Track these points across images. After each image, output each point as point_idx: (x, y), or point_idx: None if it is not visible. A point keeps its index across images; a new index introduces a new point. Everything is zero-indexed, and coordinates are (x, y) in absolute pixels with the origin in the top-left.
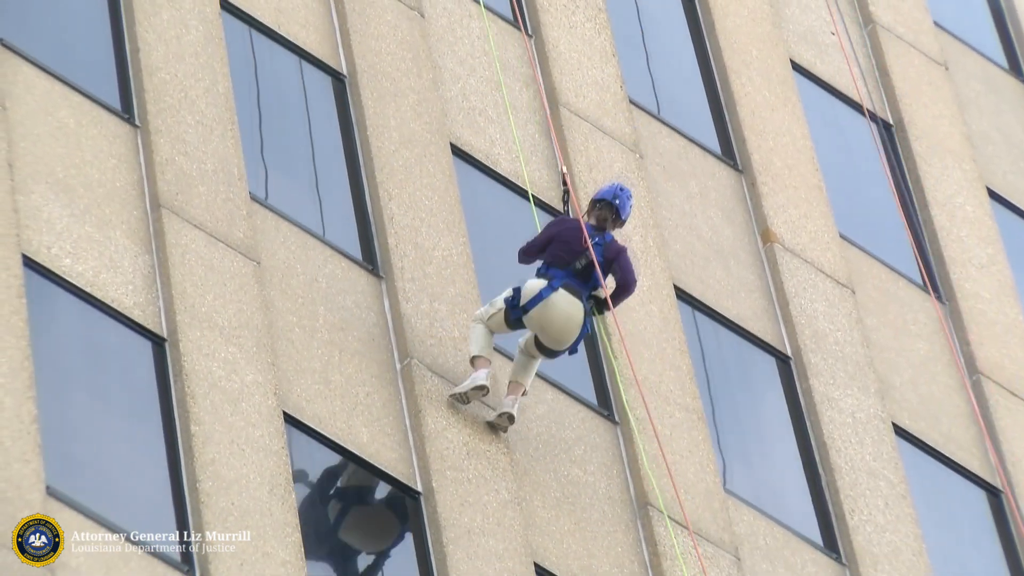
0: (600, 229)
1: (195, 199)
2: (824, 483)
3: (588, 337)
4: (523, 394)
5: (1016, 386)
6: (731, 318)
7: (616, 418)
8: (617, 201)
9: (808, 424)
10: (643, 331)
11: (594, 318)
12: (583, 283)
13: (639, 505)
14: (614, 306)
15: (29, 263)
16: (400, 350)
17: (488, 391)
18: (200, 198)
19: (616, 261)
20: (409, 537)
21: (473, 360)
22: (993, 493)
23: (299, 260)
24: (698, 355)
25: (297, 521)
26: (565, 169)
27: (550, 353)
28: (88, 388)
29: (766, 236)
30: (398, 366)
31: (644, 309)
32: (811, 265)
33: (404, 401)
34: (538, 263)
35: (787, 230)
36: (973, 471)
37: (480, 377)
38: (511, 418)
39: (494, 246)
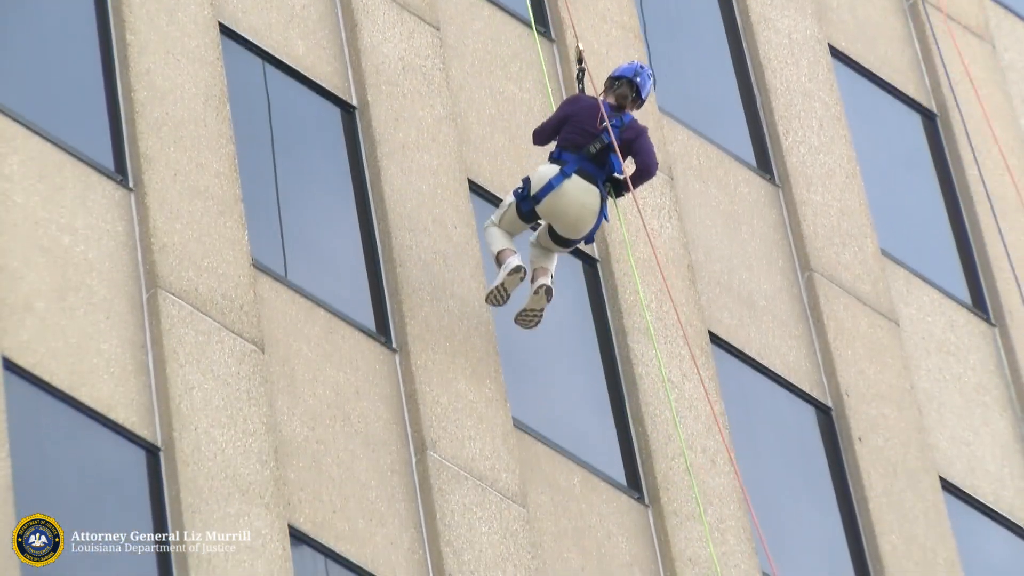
0: (619, 108)
1: None
2: (759, 104)
3: None
4: (551, 279)
5: (956, 10)
6: None
7: (552, 36)
8: (638, 79)
9: (744, 44)
10: None
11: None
12: (599, 167)
13: None
14: (633, 188)
15: None
16: None
17: (525, 272)
18: None
19: (635, 143)
20: (343, 151)
21: (498, 256)
22: (928, 117)
23: None
24: None
25: (232, 133)
26: (581, 46)
27: (565, 243)
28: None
29: None
30: None
31: None
32: None
33: (340, 13)
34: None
35: None
36: (908, 94)
37: (513, 260)
38: (548, 291)
39: None
